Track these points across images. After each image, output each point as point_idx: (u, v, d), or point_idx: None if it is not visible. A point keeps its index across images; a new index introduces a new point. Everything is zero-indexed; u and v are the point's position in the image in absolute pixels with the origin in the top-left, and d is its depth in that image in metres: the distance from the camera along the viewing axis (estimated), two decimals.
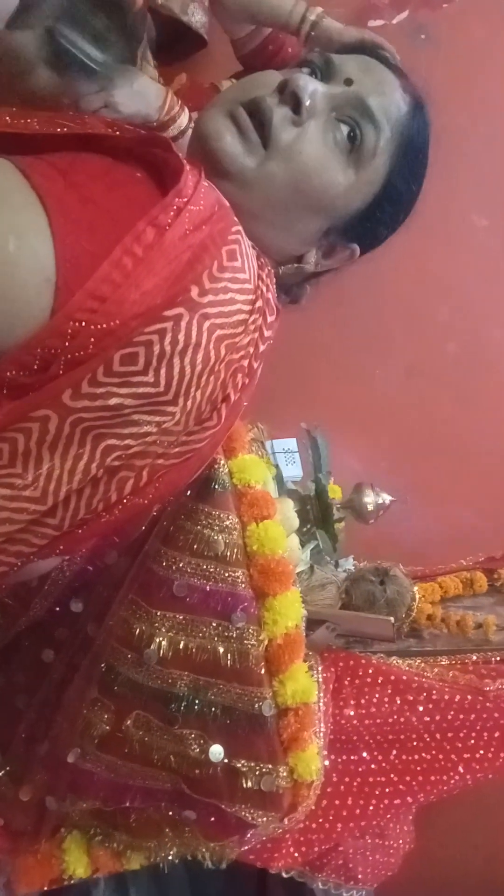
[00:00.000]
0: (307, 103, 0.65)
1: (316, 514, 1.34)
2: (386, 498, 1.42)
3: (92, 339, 0.53)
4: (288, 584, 0.81)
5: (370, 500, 1.40)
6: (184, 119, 1.25)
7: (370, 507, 1.38)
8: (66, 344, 0.53)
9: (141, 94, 1.17)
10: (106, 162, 0.60)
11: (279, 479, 1.45)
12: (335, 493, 1.42)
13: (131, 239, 0.54)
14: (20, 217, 0.53)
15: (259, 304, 0.62)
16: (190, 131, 1.30)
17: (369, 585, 1.23)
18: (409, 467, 1.97)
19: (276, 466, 1.60)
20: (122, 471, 0.59)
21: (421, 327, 2.06)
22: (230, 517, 0.80)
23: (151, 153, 0.62)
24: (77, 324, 0.52)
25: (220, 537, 0.79)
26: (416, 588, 1.29)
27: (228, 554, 0.79)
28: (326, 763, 0.92)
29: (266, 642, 0.79)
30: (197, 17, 1.72)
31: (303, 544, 1.31)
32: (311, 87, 0.65)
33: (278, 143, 0.65)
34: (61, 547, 0.61)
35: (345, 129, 0.67)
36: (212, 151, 0.65)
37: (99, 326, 0.53)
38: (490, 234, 2.05)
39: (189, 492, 0.78)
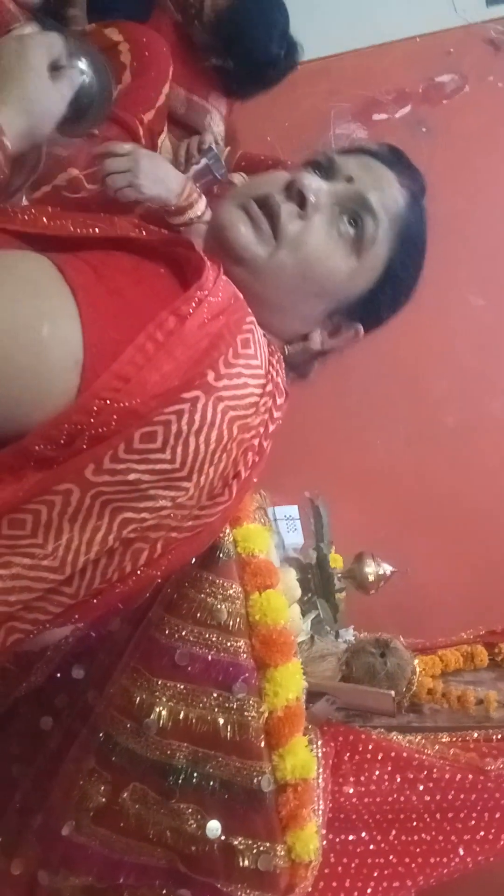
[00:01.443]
0: (312, 199, 0.72)
1: (317, 584, 1.35)
2: (387, 568, 1.43)
3: (115, 417, 0.57)
4: (289, 655, 0.81)
5: (371, 570, 1.41)
6: (201, 205, 1.33)
7: (371, 578, 1.39)
8: (91, 420, 0.57)
9: (163, 180, 1.26)
10: (133, 259, 0.67)
11: (279, 547, 1.46)
12: (336, 562, 1.42)
13: (154, 326, 0.59)
14: (54, 306, 0.58)
15: (269, 387, 0.66)
16: (206, 216, 1.38)
17: (370, 658, 1.23)
18: (409, 536, 1.98)
19: (277, 534, 1.61)
20: (137, 542, 0.62)
21: (420, 400, 2.11)
22: (234, 586, 0.81)
23: (175, 251, 0.68)
24: (102, 402, 0.57)
25: (224, 606, 0.80)
26: (416, 661, 1.28)
27: (231, 623, 0.79)
28: (324, 842, 0.90)
29: (266, 714, 0.79)
30: (215, 128, 1.84)
31: (303, 614, 1.31)
32: (315, 185, 0.73)
33: (286, 234, 0.71)
34: (76, 616, 0.63)
35: (346, 221, 0.73)
36: (227, 240, 0.71)
37: (122, 404, 0.57)
38: (486, 312, 2.12)
39: (194, 559, 0.80)
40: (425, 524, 2.04)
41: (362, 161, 0.77)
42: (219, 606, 0.79)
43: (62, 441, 0.57)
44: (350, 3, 2.33)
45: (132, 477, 0.58)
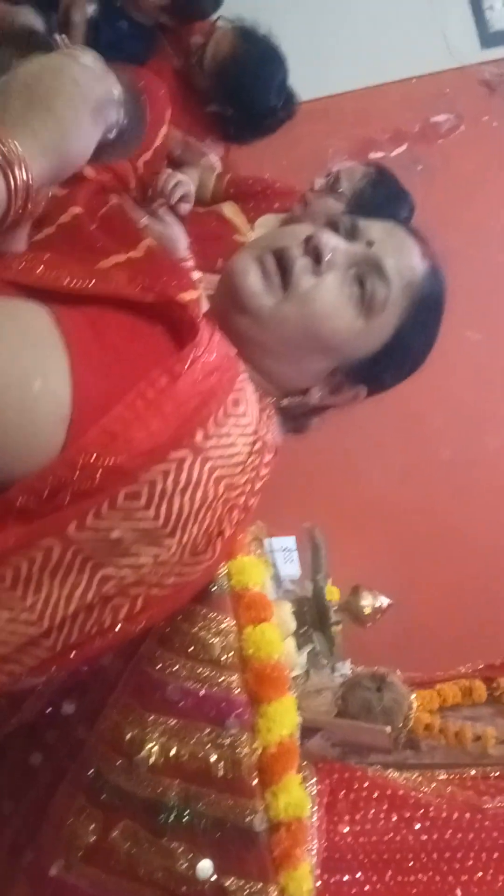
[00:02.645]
0: (327, 257, 0.72)
1: (313, 617, 1.34)
2: (383, 601, 1.42)
3: (99, 473, 0.57)
4: (283, 690, 0.81)
5: (367, 602, 1.40)
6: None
7: (367, 611, 1.39)
8: (76, 475, 0.57)
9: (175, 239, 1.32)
10: (129, 316, 0.67)
11: (276, 578, 1.45)
12: (333, 595, 1.42)
13: (146, 384, 0.59)
14: (47, 361, 0.58)
15: (258, 446, 0.66)
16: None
17: (366, 692, 1.22)
18: (405, 569, 1.97)
19: (274, 565, 1.61)
20: (117, 598, 0.61)
21: (417, 433, 2.12)
22: (227, 619, 0.80)
23: (170, 310, 0.68)
24: (88, 457, 0.57)
25: (217, 640, 0.79)
26: (413, 696, 1.27)
27: (224, 657, 0.79)
28: (318, 883, 0.88)
29: (259, 751, 0.77)
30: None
31: (299, 647, 1.30)
32: (332, 244, 0.73)
33: (297, 288, 0.72)
34: (53, 668, 0.63)
35: (359, 283, 0.74)
36: (235, 287, 0.72)
37: (107, 461, 0.57)
38: (483, 348, 2.15)
39: None
40: (422, 557, 2.03)
41: (387, 227, 0.78)
42: (212, 640, 0.79)
43: (45, 495, 0.57)
44: (348, 46, 2.40)
45: (115, 535, 0.58)
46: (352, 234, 0.76)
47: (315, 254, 0.72)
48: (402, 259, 0.76)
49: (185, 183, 1.52)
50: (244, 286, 0.72)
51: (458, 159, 2.32)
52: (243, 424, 0.65)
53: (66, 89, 0.67)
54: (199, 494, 0.60)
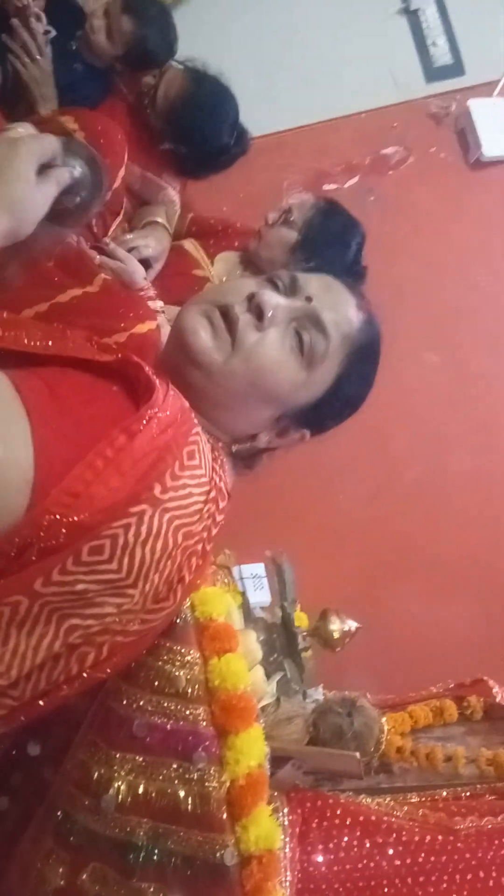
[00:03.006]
0: (269, 315, 0.77)
1: (282, 644, 1.34)
2: (352, 624, 1.43)
3: (64, 530, 0.60)
4: (250, 720, 0.80)
5: (336, 627, 1.41)
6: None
7: (336, 635, 1.39)
8: (41, 534, 0.59)
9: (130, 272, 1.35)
10: (87, 378, 0.71)
11: (245, 606, 1.45)
12: (301, 621, 1.42)
13: (105, 444, 0.62)
14: (9, 428, 0.62)
15: (213, 494, 0.69)
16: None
17: (336, 718, 1.22)
18: (374, 591, 1.99)
19: (243, 593, 1.60)
20: (83, 647, 0.64)
21: (381, 456, 2.15)
22: (192, 652, 0.80)
23: (126, 369, 0.72)
24: (52, 517, 0.59)
25: (182, 673, 0.79)
26: (384, 719, 1.27)
27: (190, 690, 0.78)
28: None
29: (228, 784, 0.77)
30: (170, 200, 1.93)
31: (269, 675, 1.30)
32: (273, 301, 0.78)
33: (242, 344, 0.76)
34: (21, 717, 0.65)
35: (300, 337, 0.78)
36: (187, 344, 0.76)
37: (70, 519, 0.60)
38: (441, 369, 2.20)
39: None
40: (389, 578, 2.05)
41: (324, 282, 0.83)
42: (177, 673, 0.78)
43: (12, 554, 0.59)
44: (299, 82, 2.48)
45: (79, 587, 0.60)
46: (291, 290, 0.81)
47: (258, 311, 0.77)
48: (340, 312, 0.81)
49: (143, 248, 1.59)
50: (196, 343, 0.76)
51: (409, 189, 2.40)
52: (198, 475, 0.67)
53: (2, 153, 0.72)
54: (159, 545, 0.63)
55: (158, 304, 1.47)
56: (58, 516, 0.59)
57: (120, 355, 0.74)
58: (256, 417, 0.81)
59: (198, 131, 1.81)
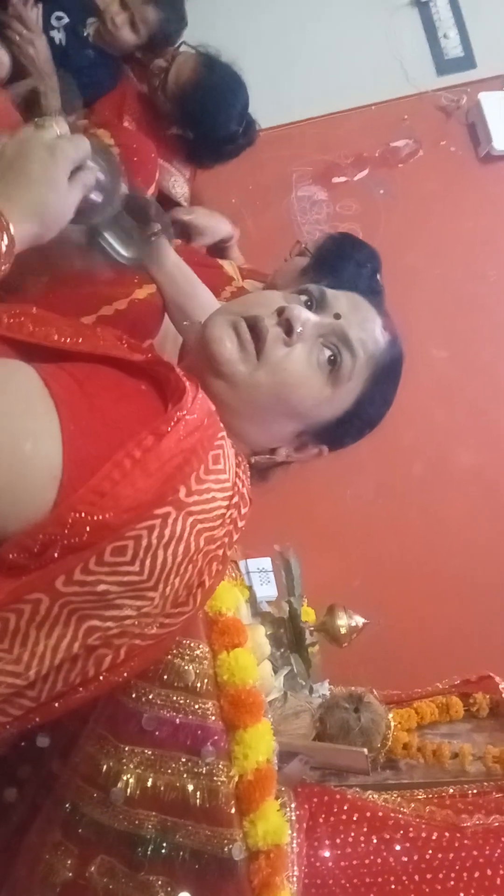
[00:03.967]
0: (298, 330, 0.77)
1: (290, 639, 1.34)
2: (359, 620, 1.42)
3: (88, 528, 0.59)
4: (259, 715, 0.80)
5: (343, 622, 1.40)
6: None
7: (343, 630, 1.38)
8: (66, 531, 0.59)
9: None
10: (116, 375, 0.70)
11: (253, 600, 1.44)
12: (308, 616, 1.42)
13: (133, 444, 0.61)
14: (38, 423, 0.61)
15: (235, 499, 0.69)
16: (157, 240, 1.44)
17: (343, 713, 1.21)
18: (381, 586, 1.98)
19: (250, 588, 1.60)
20: (101, 649, 0.63)
21: (388, 451, 2.14)
22: (201, 646, 0.80)
23: (156, 370, 0.71)
24: (77, 515, 0.59)
25: (191, 667, 0.79)
26: (391, 715, 1.27)
27: (199, 685, 0.78)
28: None
29: (236, 779, 0.77)
30: (178, 189, 1.92)
31: (276, 670, 1.30)
32: (303, 317, 0.77)
33: (269, 357, 0.76)
34: (37, 718, 0.65)
35: (327, 353, 0.78)
36: (213, 354, 0.76)
37: (95, 518, 0.59)
38: (449, 364, 2.18)
39: None
40: (396, 574, 2.05)
41: (352, 300, 0.83)
42: (186, 667, 0.78)
43: (35, 550, 0.59)
44: (310, 74, 2.46)
45: (101, 588, 0.60)
46: (320, 305, 0.81)
47: (287, 326, 0.76)
48: (367, 331, 0.80)
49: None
50: (221, 353, 0.75)
51: (418, 183, 2.38)
52: (222, 480, 0.67)
53: (40, 157, 0.73)
54: (181, 548, 0.62)
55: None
56: (83, 514, 0.59)
57: (150, 356, 0.73)
58: (278, 431, 0.81)
59: (207, 116, 1.80)
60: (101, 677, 0.64)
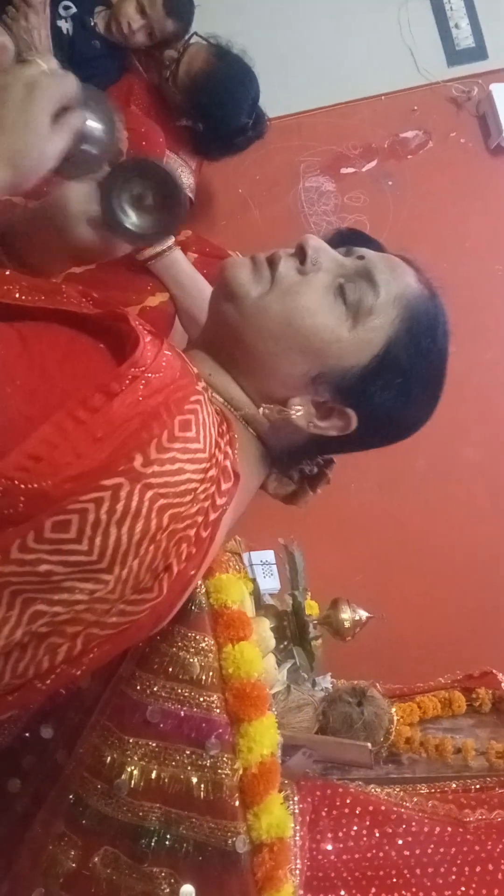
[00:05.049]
0: (313, 257, 0.73)
1: (293, 632, 1.33)
2: (362, 614, 1.42)
3: (22, 498, 0.53)
4: (263, 708, 0.80)
5: (347, 616, 1.40)
6: (167, 241, 1.40)
7: (347, 624, 1.38)
8: None
9: None
10: (70, 334, 0.63)
11: (256, 593, 1.44)
12: (312, 609, 1.41)
13: (76, 403, 0.54)
14: None
15: (212, 472, 0.61)
16: (173, 252, 1.43)
17: (346, 707, 1.22)
18: (383, 580, 1.98)
19: (254, 580, 1.60)
20: (52, 637, 0.57)
21: (392, 445, 2.13)
22: (206, 639, 0.80)
23: (116, 325, 0.64)
24: (8, 481, 0.52)
25: (196, 660, 0.79)
26: (393, 709, 1.27)
27: (204, 677, 0.78)
28: None
29: (240, 772, 0.77)
30: (185, 180, 1.91)
31: (280, 663, 1.30)
32: (315, 244, 0.73)
33: (281, 283, 0.72)
34: None
35: (346, 288, 0.72)
36: (225, 277, 0.74)
37: (30, 486, 0.52)
38: (455, 359, 2.17)
39: None
40: (399, 568, 2.04)
41: (383, 254, 0.77)
42: (191, 660, 0.78)
43: None
44: (320, 64, 2.44)
45: (43, 568, 0.54)
46: (346, 251, 0.77)
47: (301, 254, 0.73)
48: (395, 274, 0.74)
49: None
50: (233, 275, 0.73)
51: (427, 174, 2.37)
52: (193, 449, 0.59)
53: (16, 95, 0.65)
54: (139, 526, 0.55)
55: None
56: (16, 482, 0.52)
57: (107, 310, 0.66)
58: (289, 369, 0.72)
59: (217, 108, 1.79)
60: (57, 670, 0.58)
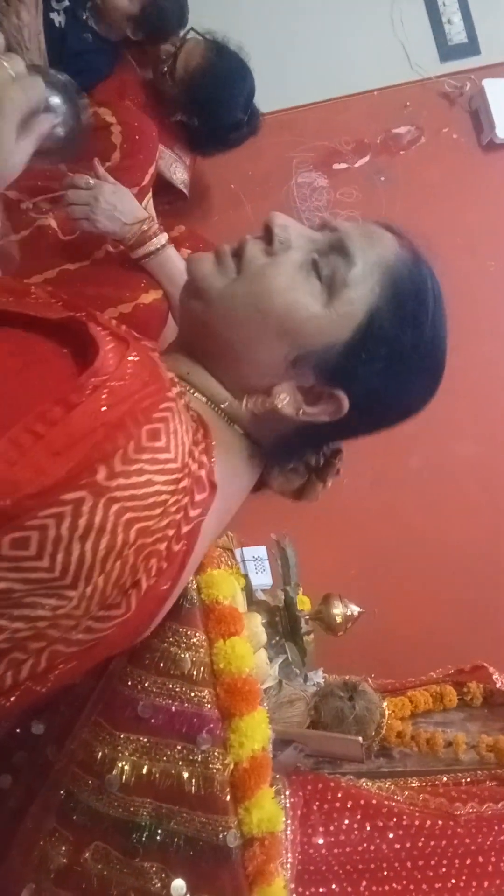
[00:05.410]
0: (277, 234, 0.69)
1: (285, 627, 1.34)
2: (354, 609, 1.42)
3: None
4: (255, 703, 0.80)
5: (339, 611, 1.40)
6: (161, 239, 1.39)
7: (339, 619, 1.38)
8: None
9: (117, 217, 1.33)
10: (34, 339, 0.60)
11: (248, 588, 1.45)
12: (304, 604, 1.42)
13: (34, 417, 0.52)
14: None
15: (184, 483, 0.58)
16: (166, 250, 1.43)
17: (338, 702, 1.22)
18: (376, 576, 1.99)
19: (245, 576, 1.60)
20: (14, 653, 0.55)
21: (385, 441, 2.13)
22: (197, 634, 0.80)
23: (80, 330, 0.60)
24: None
25: (187, 655, 0.79)
26: (385, 703, 1.28)
27: (195, 672, 0.78)
28: None
29: (232, 766, 0.77)
30: (178, 175, 1.90)
31: (272, 658, 1.30)
32: (282, 222, 0.69)
33: (248, 268, 0.68)
34: None
35: (319, 264, 0.68)
36: (189, 272, 0.71)
37: None
38: (449, 356, 2.18)
39: None
40: (391, 564, 2.05)
41: (360, 224, 0.73)
42: (182, 655, 0.78)
43: None
44: (312, 59, 2.43)
45: (1, 585, 0.52)
46: (319, 228, 0.73)
47: (268, 235, 0.69)
48: (371, 241, 0.69)
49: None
50: (197, 270, 0.70)
51: (420, 170, 2.36)
52: (162, 460, 0.56)
53: None
54: (103, 541, 0.53)
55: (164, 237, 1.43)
56: None
57: (71, 315, 0.62)
58: (266, 355, 0.68)
59: (214, 103, 1.79)
60: (22, 686, 0.56)
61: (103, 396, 0.54)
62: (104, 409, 0.54)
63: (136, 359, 0.59)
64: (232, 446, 0.71)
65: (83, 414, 0.53)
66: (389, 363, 0.69)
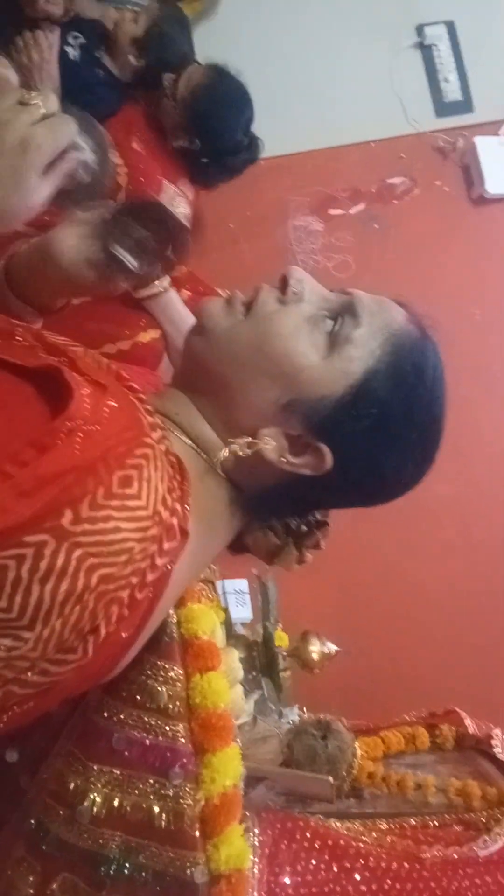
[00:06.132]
0: (292, 284, 0.71)
1: (262, 663, 1.34)
2: (331, 647, 1.43)
3: None
4: (228, 739, 0.81)
5: (315, 648, 1.41)
6: (164, 282, 1.43)
7: (315, 657, 1.39)
8: None
9: None
10: (8, 382, 0.60)
11: (228, 622, 1.45)
12: (282, 640, 1.42)
13: (5, 457, 0.52)
14: None
15: (153, 531, 0.58)
16: (168, 292, 1.46)
17: (311, 740, 1.22)
18: (353, 615, 2.00)
19: (226, 609, 1.61)
20: None
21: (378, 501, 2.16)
22: (175, 668, 0.80)
23: (56, 376, 0.60)
24: None
25: (164, 689, 0.79)
26: (357, 743, 1.28)
27: (171, 706, 0.79)
28: None
29: (202, 802, 0.77)
30: (180, 209, 1.96)
31: (247, 694, 1.30)
32: (299, 275, 0.72)
33: (258, 311, 0.71)
34: None
35: (327, 318, 0.71)
36: (199, 312, 0.73)
37: None
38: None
39: None
40: (371, 602, 2.07)
41: (374, 295, 0.74)
42: (159, 689, 0.79)
43: None
44: (313, 107, 2.52)
45: None
46: (334, 290, 0.76)
47: (283, 285, 0.72)
48: (381, 310, 0.72)
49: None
50: (206, 309, 0.72)
51: (412, 219, 2.44)
52: (132, 507, 0.56)
53: (10, 150, 0.66)
54: (63, 586, 0.52)
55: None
56: None
57: (46, 362, 0.61)
58: (257, 397, 0.69)
59: (216, 121, 1.84)
60: None
61: (77, 440, 0.54)
62: (78, 452, 0.54)
63: (114, 404, 0.59)
64: (212, 492, 0.72)
65: (55, 457, 0.53)
66: (378, 426, 0.69)
